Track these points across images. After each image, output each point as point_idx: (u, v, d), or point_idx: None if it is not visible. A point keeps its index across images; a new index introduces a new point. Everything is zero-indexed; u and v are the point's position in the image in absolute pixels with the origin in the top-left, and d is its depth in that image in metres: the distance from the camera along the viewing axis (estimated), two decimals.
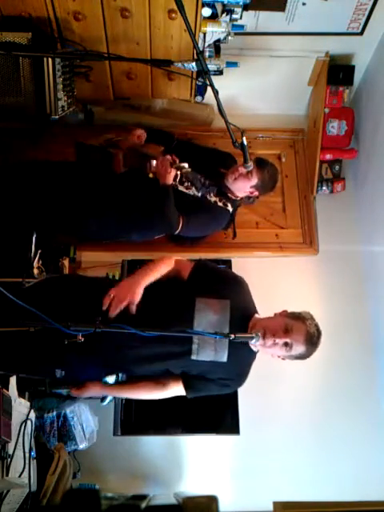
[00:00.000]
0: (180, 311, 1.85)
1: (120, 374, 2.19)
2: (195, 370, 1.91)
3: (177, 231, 2.52)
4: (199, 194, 2.58)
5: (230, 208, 2.69)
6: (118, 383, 2.18)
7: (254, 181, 2.59)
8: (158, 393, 1.97)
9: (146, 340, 1.81)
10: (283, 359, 1.89)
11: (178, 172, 2.42)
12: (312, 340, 1.81)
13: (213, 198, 2.63)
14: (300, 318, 1.86)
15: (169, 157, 2.40)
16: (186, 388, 1.93)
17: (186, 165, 2.40)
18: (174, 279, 1.98)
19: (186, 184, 2.56)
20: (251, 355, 1.95)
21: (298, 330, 1.81)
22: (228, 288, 1.98)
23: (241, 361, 1.93)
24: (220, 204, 2.64)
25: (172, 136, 2.76)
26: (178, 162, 2.42)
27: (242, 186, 2.63)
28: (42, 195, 2.52)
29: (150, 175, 2.44)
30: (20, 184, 2.54)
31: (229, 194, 2.68)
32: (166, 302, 1.89)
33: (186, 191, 2.57)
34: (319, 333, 1.84)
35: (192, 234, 2.68)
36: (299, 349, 1.81)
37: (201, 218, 2.59)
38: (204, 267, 2.04)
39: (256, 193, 2.67)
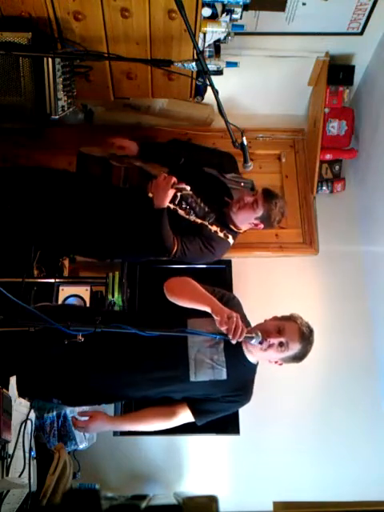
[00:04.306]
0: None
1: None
2: (198, 394, 1.90)
3: (171, 254, 2.39)
4: (198, 220, 2.43)
5: (230, 240, 2.55)
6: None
7: (260, 212, 2.45)
8: (166, 422, 1.94)
9: (145, 367, 1.85)
10: (280, 364, 1.89)
11: (178, 193, 2.27)
12: (305, 336, 1.82)
13: (213, 228, 2.47)
14: (291, 318, 1.88)
15: (172, 176, 2.24)
16: (194, 414, 1.92)
17: (187, 187, 2.25)
18: (165, 305, 1.97)
19: (184, 206, 2.40)
20: (251, 368, 1.94)
21: (291, 328, 1.83)
22: None
23: (241, 375, 1.92)
24: (220, 234, 2.49)
25: (178, 155, 2.63)
26: (178, 183, 2.27)
27: (247, 217, 2.49)
28: (38, 208, 2.46)
29: (150, 195, 2.31)
30: (18, 193, 2.48)
31: (231, 226, 2.54)
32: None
33: (185, 216, 2.44)
34: (311, 330, 1.86)
35: (187, 259, 2.48)
36: (295, 347, 1.82)
37: (197, 243, 2.43)
38: None
39: (261, 226, 2.52)
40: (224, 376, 1.84)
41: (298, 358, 1.85)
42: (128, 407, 2.59)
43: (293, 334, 1.81)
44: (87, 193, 2.52)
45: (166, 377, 1.86)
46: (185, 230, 2.42)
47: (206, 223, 2.45)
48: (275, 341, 1.80)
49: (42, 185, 2.51)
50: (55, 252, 2.80)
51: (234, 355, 1.87)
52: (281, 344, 1.80)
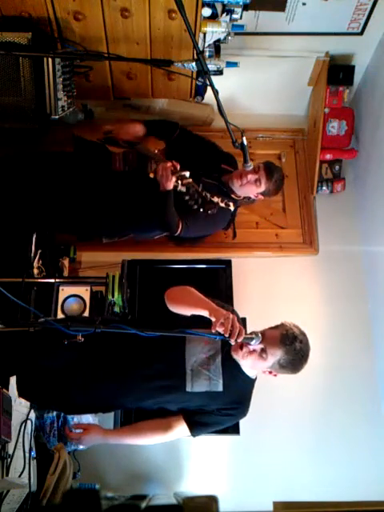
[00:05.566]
0: (171, 344, 1.86)
1: None
2: (193, 405, 1.90)
3: (176, 233, 2.50)
4: (196, 207, 2.42)
5: (231, 207, 2.67)
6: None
7: (262, 188, 2.58)
8: (162, 436, 1.94)
9: (143, 375, 1.86)
10: (275, 375, 1.88)
11: (179, 181, 2.28)
12: (286, 342, 1.76)
13: (215, 199, 2.56)
14: (277, 326, 1.85)
15: (170, 164, 2.27)
16: (190, 426, 1.92)
17: (187, 174, 2.26)
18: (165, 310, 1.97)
19: (186, 197, 2.37)
20: (249, 382, 1.94)
21: (271, 334, 1.80)
22: None
23: (238, 388, 1.91)
24: (222, 204, 2.59)
25: (175, 125, 2.71)
26: (178, 168, 2.28)
27: (249, 192, 2.63)
28: (39, 189, 2.51)
29: (151, 175, 2.37)
30: (17, 177, 2.53)
31: (232, 195, 2.66)
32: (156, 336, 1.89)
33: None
34: (295, 336, 1.78)
35: (192, 235, 2.65)
36: (276, 353, 1.77)
37: (201, 219, 2.52)
38: None
39: (261, 197, 2.66)
40: (220, 388, 1.85)
41: (286, 366, 1.80)
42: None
43: (272, 339, 1.78)
44: (89, 174, 2.56)
45: (162, 386, 1.87)
46: (186, 208, 2.41)
47: (208, 198, 2.48)
48: (256, 347, 1.78)
49: (43, 167, 2.57)
50: (59, 232, 2.84)
51: (231, 368, 1.88)
52: (262, 350, 1.78)
